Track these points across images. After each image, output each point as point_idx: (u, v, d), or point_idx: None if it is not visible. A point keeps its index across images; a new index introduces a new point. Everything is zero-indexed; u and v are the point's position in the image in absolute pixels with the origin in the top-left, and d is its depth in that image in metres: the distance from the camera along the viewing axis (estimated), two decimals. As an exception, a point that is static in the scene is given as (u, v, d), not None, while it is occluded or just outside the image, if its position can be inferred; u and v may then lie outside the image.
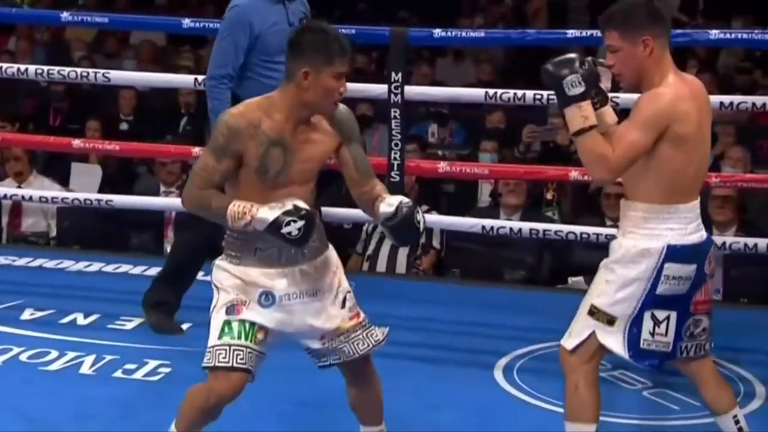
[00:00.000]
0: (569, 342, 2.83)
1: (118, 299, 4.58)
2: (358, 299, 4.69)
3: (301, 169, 2.74)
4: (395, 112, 4.58)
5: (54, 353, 3.96)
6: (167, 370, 3.84)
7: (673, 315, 2.76)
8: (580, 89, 2.68)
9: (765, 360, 4.03)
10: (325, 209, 5.11)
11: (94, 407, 3.51)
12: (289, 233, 2.63)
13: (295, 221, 2.63)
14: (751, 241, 4.41)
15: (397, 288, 4.86)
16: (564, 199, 5.77)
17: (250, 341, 2.73)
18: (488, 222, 4.67)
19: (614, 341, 2.78)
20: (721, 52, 8.60)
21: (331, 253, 2.91)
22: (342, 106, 2.79)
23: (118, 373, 3.80)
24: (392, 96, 4.58)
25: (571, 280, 5.04)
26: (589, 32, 4.70)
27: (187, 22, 4.93)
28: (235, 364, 2.71)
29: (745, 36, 4.54)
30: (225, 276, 2.78)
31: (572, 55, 2.73)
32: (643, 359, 2.81)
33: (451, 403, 3.60)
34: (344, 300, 2.88)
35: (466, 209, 5.51)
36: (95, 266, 5.09)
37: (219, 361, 2.71)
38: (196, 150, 5.09)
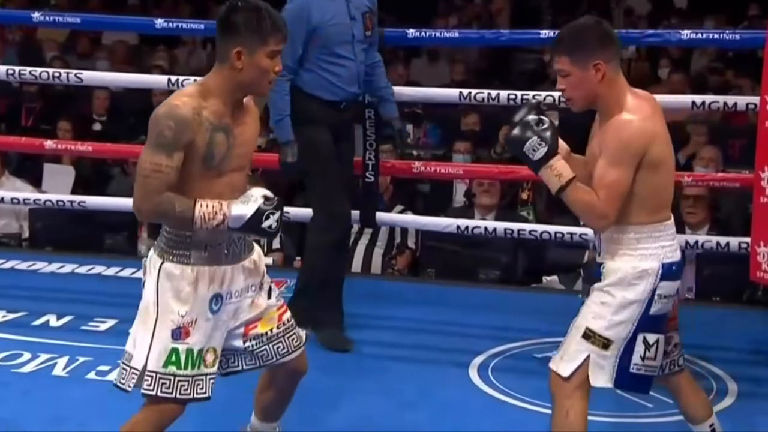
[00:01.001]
0: (564, 368, 2.74)
1: (92, 301, 4.57)
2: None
3: (240, 153, 2.63)
4: (370, 112, 4.59)
5: (27, 355, 3.94)
6: (141, 371, 3.82)
7: (662, 338, 2.75)
8: (543, 150, 2.66)
9: (737, 357, 4.07)
10: (298, 209, 5.12)
11: (68, 409, 3.50)
12: (270, 227, 2.55)
13: (273, 213, 2.55)
14: (723, 239, 4.45)
15: (372, 288, 4.86)
16: (539, 199, 5.80)
17: (198, 367, 2.62)
18: (463, 222, 4.68)
19: (602, 375, 2.72)
20: (693, 53, 8.67)
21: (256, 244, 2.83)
22: None
23: (92, 375, 3.79)
24: (367, 97, 4.59)
25: (545, 279, 5.08)
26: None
27: (160, 22, 4.92)
28: (178, 396, 2.61)
29: (716, 36, 4.58)
30: (168, 285, 2.60)
31: (529, 117, 2.68)
32: (631, 386, 2.79)
33: (426, 401, 3.61)
34: (269, 290, 2.79)
35: (440, 209, 5.53)
36: (68, 267, 5.07)
37: (162, 391, 2.60)
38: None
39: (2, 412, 3.45)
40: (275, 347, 2.76)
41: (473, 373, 3.87)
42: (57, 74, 4.98)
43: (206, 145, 2.57)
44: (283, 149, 4.07)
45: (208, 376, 2.65)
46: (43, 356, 3.93)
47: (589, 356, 2.72)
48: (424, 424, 3.46)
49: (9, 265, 5.10)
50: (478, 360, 3.98)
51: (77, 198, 5.09)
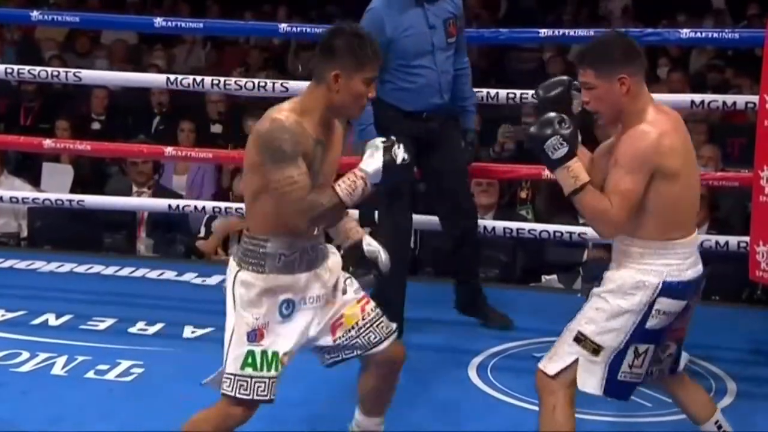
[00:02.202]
0: (550, 366, 2.77)
1: (91, 300, 4.57)
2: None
3: (326, 171, 2.74)
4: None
5: (25, 354, 3.94)
6: (140, 370, 3.83)
7: (652, 348, 2.76)
8: (563, 150, 2.66)
9: (736, 357, 4.07)
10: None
11: (66, 408, 3.50)
12: (404, 159, 2.62)
13: (398, 147, 2.63)
14: (722, 239, 4.45)
15: (371, 287, 4.86)
16: (538, 197, 5.80)
17: (274, 370, 2.72)
18: (462, 221, 4.67)
19: (591, 380, 2.74)
20: (692, 51, 8.67)
21: (332, 248, 2.92)
22: None
23: (91, 374, 3.79)
24: (366, 95, 4.58)
25: (544, 278, 5.08)
26: (561, 31, 4.74)
27: (159, 21, 4.91)
28: (255, 397, 2.72)
29: (715, 35, 4.58)
30: (243, 292, 2.71)
31: (552, 115, 2.69)
32: (616, 393, 2.79)
33: (425, 400, 3.61)
34: (345, 288, 2.86)
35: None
36: (67, 267, 5.07)
37: (240, 393, 2.71)
38: (168, 150, 5.09)
39: (1, 412, 3.45)
40: (366, 338, 2.84)
41: (472, 373, 3.87)
42: (56, 73, 4.98)
43: (311, 157, 2.65)
44: None
45: (277, 379, 2.74)
46: (42, 355, 3.93)
47: (577, 359, 2.74)
48: (423, 424, 3.46)
49: (8, 264, 5.10)
50: (477, 359, 3.99)
51: (76, 197, 5.10)
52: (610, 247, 5.41)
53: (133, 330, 4.23)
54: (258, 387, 2.71)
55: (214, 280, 4.88)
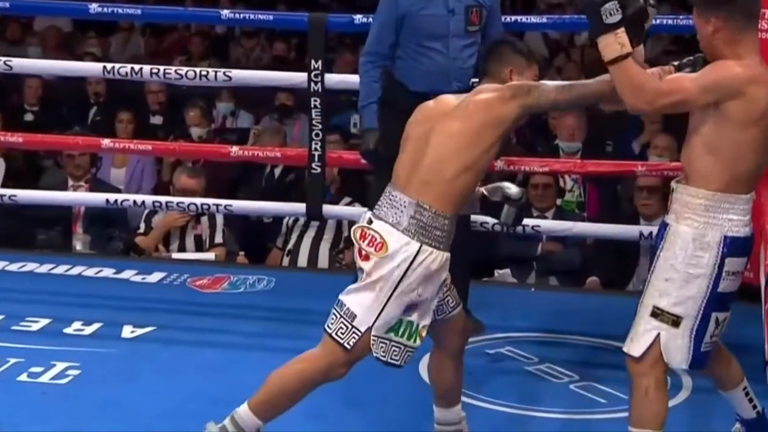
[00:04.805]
0: (634, 348, 2.82)
1: (24, 299, 4.52)
2: (279, 295, 4.72)
3: None
4: (315, 101, 4.59)
5: (-46, 357, 3.89)
6: (76, 372, 3.79)
7: (729, 315, 2.83)
8: (617, 17, 2.72)
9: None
10: (241, 203, 5.10)
11: (-2, 413, 3.46)
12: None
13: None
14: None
15: (320, 283, 4.84)
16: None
17: (413, 341, 2.94)
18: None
19: (677, 354, 2.79)
20: (648, 38, 8.75)
21: None
22: None
23: (24, 377, 3.74)
24: (312, 85, 4.58)
25: (497, 272, 5.12)
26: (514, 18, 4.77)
27: (94, 6, 4.85)
28: (390, 360, 2.94)
29: (670, 21, 4.64)
30: (420, 269, 2.86)
31: None
32: (700, 364, 2.85)
33: (374, 397, 3.62)
34: None
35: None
36: (-1, 265, 5.01)
37: (376, 351, 2.91)
38: (105, 142, 5.04)
39: (-72, 418, 3.40)
40: (447, 300, 3.06)
41: (423, 370, 3.88)
42: (-16, 62, 4.90)
43: None
44: (364, 136, 4.12)
45: (413, 350, 2.96)
46: (-28, 358, 3.88)
47: (659, 335, 2.78)
48: (373, 422, 3.47)
49: (-65, 262, 5.02)
50: (428, 357, 3.99)
51: (8, 191, 5.04)
52: (564, 241, 5.50)
53: (68, 330, 4.19)
54: (393, 351, 2.93)
55: (154, 277, 4.85)
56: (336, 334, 2.90)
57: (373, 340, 2.90)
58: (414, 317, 2.93)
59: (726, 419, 3.25)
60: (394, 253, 2.86)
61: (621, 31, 2.73)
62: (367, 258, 2.91)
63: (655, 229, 4.60)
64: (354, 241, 2.97)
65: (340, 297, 2.95)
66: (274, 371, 2.94)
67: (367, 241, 2.91)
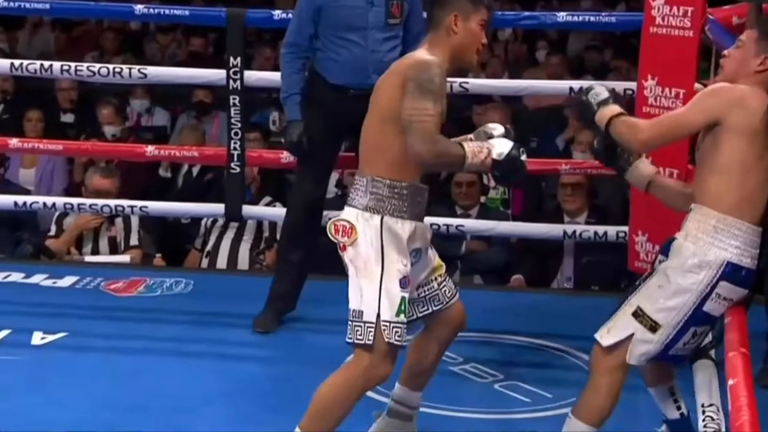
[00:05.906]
0: (606, 338, 2.89)
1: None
2: (198, 297, 4.68)
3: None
4: (234, 99, 4.56)
5: None
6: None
7: (708, 329, 2.90)
8: (605, 95, 2.98)
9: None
10: (160, 205, 5.04)
11: None
12: (522, 159, 2.90)
13: (521, 146, 2.91)
14: (601, 229, 4.59)
15: (240, 285, 4.84)
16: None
17: (405, 317, 2.92)
18: (335, 214, 4.68)
19: (641, 355, 2.86)
20: (570, 34, 8.88)
21: None
22: None
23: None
24: (231, 82, 4.55)
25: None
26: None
27: (0, 1, 4.76)
28: (403, 343, 2.93)
29: (592, 18, 4.71)
30: (392, 238, 2.88)
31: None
32: (666, 360, 2.94)
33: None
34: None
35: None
36: None
37: (396, 339, 2.88)
38: (13, 141, 4.94)
39: None
40: (443, 291, 3.09)
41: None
42: None
43: (443, 107, 2.89)
44: (288, 128, 4.12)
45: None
46: None
47: (633, 334, 2.85)
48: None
49: None
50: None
51: None
52: (488, 240, 5.54)
53: (-25, 338, 4.10)
54: (404, 333, 2.91)
55: (66, 281, 4.77)
56: (356, 338, 2.91)
57: (384, 326, 2.89)
58: (408, 292, 2.93)
59: (654, 420, 3.29)
60: (363, 232, 2.91)
61: (612, 104, 2.98)
62: (344, 248, 2.95)
63: (578, 227, 4.73)
64: (330, 237, 2.99)
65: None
66: (318, 388, 2.94)
67: (340, 233, 2.96)
